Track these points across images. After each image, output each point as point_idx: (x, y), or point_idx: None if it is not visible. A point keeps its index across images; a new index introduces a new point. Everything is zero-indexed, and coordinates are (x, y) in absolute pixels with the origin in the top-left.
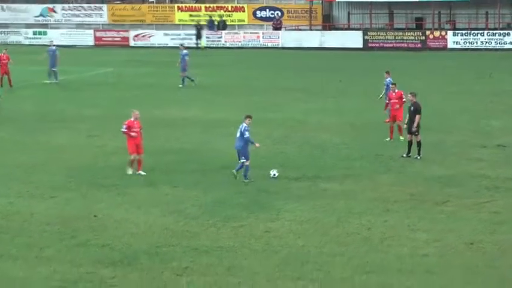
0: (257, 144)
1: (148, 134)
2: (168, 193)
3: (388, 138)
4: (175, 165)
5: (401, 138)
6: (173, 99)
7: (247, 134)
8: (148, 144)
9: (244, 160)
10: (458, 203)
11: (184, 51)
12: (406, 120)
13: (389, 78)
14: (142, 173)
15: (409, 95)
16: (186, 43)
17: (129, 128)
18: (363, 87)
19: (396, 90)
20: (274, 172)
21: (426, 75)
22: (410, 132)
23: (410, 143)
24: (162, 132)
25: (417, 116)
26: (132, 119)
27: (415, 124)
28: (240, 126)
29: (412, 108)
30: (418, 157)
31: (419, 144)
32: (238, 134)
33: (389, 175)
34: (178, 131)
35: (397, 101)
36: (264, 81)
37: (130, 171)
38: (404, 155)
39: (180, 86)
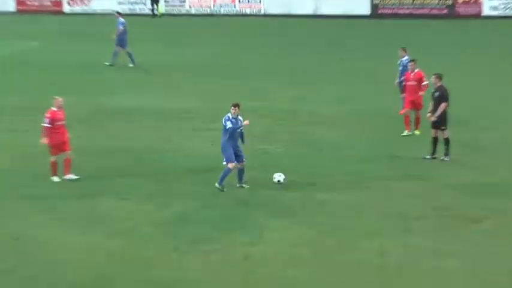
0: (245, 122)
1: (89, 129)
2: (115, 207)
3: (405, 132)
4: (124, 171)
5: (417, 132)
6: (122, 83)
7: (228, 125)
8: (88, 143)
9: (225, 162)
10: (500, 220)
11: (121, 20)
12: (430, 108)
13: (406, 57)
14: (73, 176)
15: (433, 78)
16: (138, 9)
17: (53, 120)
18: (370, 67)
19: (416, 70)
20: (279, 176)
21: (454, 51)
22: (435, 126)
23: (435, 141)
24: (106, 126)
25: (443, 104)
26: (54, 109)
27: (438, 113)
28: None
29: (436, 94)
30: (446, 159)
31: (447, 141)
32: None
33: (408, 183)
34: (129, 125)
35: (415, 83)
36: (240, 59)
37: (56, 179)
38: (428, 156)
39: (131, 65)
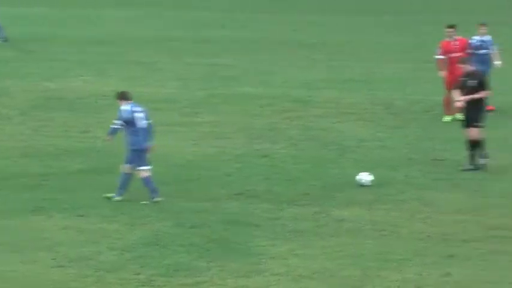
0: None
1: (34, 123)
2: (68, 226)
3: (448, 118)
4: (80, 178)
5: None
6: (78, 62)
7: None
8: (33, 141)
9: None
10: None
11: None
12: (460, 100)
13: (486, 37)
14: None
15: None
16: None
17: None
18: (417, 41)
19: (456, 37)
20: (365, 178)
21: None
22: (471, 123)
23: (473, 144)
24: (57, 119)
25: (483, 92)
26: None
27: (478, 97)
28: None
29: (470, 82)
30: (482, 161)
31: (479, 143)
32: None
33: (455, 194)
34: (87, 118)
35: (459, 55)
36: (235, 30)
37: None
38: (470, 167)
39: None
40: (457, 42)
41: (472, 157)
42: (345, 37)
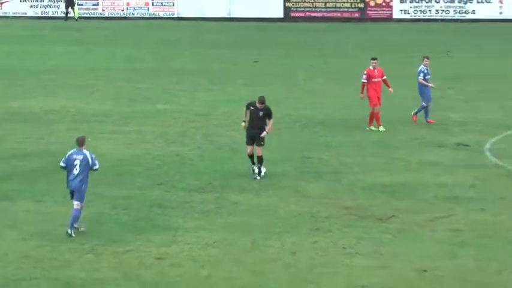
0: None
1: (1, 133)
2: (29, 209)
3: (372, 128)
4: (38, 173)
5: (381, 128)
6: (35, 86)
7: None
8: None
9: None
10: (408, 219)
11: None
12: (246, 123)
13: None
14: None
15: (259, 103)
16: (52, 12)
17: None
18: (285, 70)
19: (377, 67)
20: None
21: (365, 54)
22: (253, 141)
23: (253, 159)
24: (19, 129)
25: (272, 121)
26: None
27: (271, 129)
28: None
29: (260, 113)
30: (258, 177)
31: (261, 160)
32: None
33: (319, 184)
34: (42, 128)
35: (380, 80)
36: (153, 62)
37: None
38: (258, 178)
39: None
40: (376, 71)
41: (254, 169)
42: (223, 66)
